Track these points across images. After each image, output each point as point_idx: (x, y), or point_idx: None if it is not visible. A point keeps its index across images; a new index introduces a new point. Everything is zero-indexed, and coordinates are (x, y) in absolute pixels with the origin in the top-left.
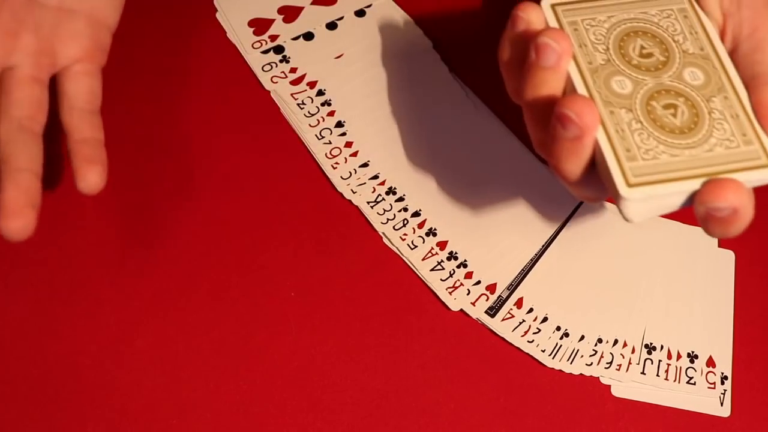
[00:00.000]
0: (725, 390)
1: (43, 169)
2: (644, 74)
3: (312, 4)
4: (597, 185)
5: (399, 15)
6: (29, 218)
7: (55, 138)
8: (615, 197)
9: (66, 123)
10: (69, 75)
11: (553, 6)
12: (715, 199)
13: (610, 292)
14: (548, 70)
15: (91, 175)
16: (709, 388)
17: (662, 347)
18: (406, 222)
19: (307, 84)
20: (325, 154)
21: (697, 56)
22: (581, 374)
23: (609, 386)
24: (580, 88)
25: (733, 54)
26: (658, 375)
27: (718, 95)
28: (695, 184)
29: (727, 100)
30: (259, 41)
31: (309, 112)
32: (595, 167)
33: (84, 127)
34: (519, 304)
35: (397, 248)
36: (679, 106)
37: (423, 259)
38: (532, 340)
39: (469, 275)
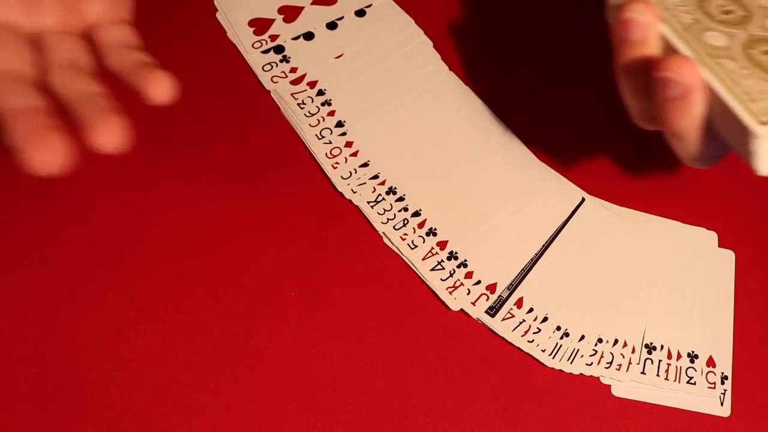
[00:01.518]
0: (725, 390)
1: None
2: (733, 28)
3: (312, 3)
4: (713, 143)
5: (399, 15)
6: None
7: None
8: (741, 145)
9: (113, 63)
10: (100, 27)
11: None
12: None
13: (610, 292)
14: (638, 42)
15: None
16: (709, 387)
17: (662, 347)
18: (406, 222)
19: (308, 84)
20: (326, 154)
21: None
22: (581, 374)
23: (609, 386)
24: (679, 45)
25: None
26: (658, 375)
27: None
28: None
29: None
30: (259, 41)
31: (309, 111)
32: (710, 123)
33: (132, 56)
34: (519, 303)
35: (397, 248)
36: None
37: (423, 259)
38: (533, 340)
39: (469, 275)
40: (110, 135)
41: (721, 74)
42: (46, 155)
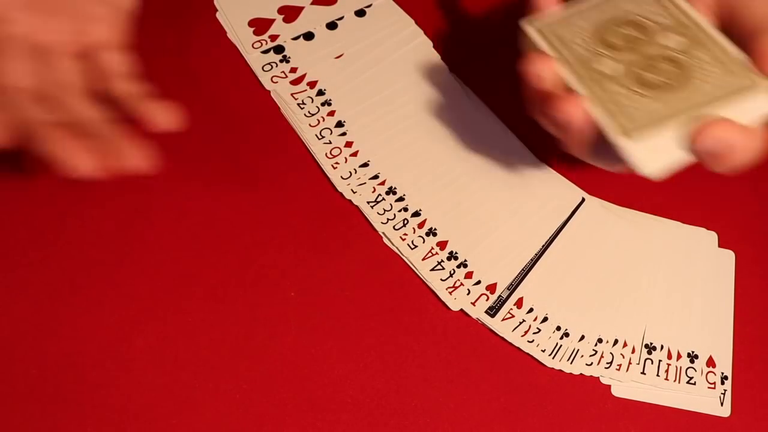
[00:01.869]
0: (725, 390)
1: (40, 169)
2: (627, 53)
3: (312, 4)
4: (611, 157)
5: (399, 15)
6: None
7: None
8: (623, 158)
9: (116, 90)
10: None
11: (537, 28)
12: (704, 138)
13: (610, 292)
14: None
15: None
16: (709, 388)
17: (662, 347)
18: (406, 222)
19: (308, 84)
20: (325, 154)
21: (675, 26)
22: (581, 374)
23: (609, 386)
24: (571, 81)
25: (728, 21)
26: (658, 375)
27: (700, 49)
28: (689, 122)
29: (710, 51)
30: (259, 41)
31: (309, 111)
32: (605, 142)
33: (133, 85)
34: (519, 304)
35: (397, 248)
36: (664, 66)
37: (423, 259)
38: (532, 340)
39: (469, 275)
40: (135, 159)
41: (604, 99)
42: (81, 164)
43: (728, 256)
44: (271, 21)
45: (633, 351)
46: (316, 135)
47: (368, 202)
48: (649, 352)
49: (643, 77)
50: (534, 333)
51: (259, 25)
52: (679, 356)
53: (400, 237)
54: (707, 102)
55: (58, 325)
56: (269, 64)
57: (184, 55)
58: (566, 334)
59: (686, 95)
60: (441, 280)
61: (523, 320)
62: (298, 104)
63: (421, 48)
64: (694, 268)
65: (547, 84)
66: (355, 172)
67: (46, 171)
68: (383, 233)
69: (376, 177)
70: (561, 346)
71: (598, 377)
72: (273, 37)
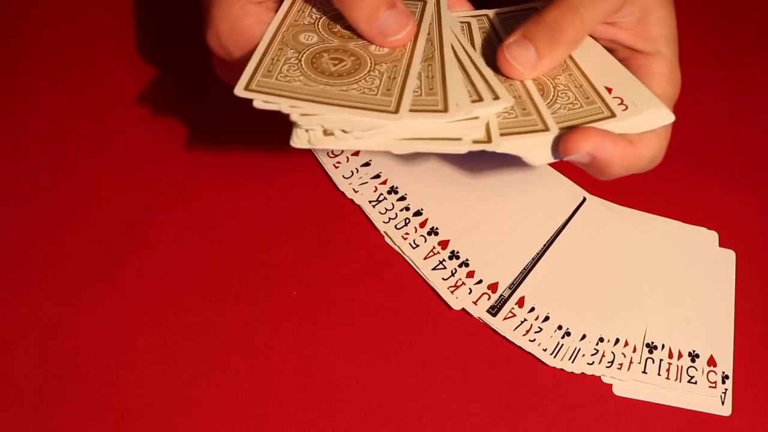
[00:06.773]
0: (726, 389)
1: (41, 170)
2: (332, 36)
3: None
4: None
5: None
6: None
7: (46, 135)
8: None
9: None
10: None
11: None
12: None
13: (611, 292)
14: None
15: None
16: (710, 387)
17: (663, 346)
18: (407, 221)
19: None
20: (327, 153)
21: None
22: (583, 373)
23: (610, 385)
24: (270, 32)
25: None
26: (659, 374)
27: (401, 63)
28: (295, 105)
29: (431, 66)
30: None
31: None
32: None
33: None
34: (521, 303)
35: (398, 247)
36: (345, 60)
37: (425, 258)
38: (534, 339)
39: (470, 274)
40: None
41: (271, 52)
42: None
43: (729, 256)
44: None
45: (634, 350)
46: None
47: (370, 202)
48: (651, 352)
49: (320, 60)
50: (535, 332)
51: None
52: (680, 355)
53: (402, 236)
54: (331, 101)
55: (59, 325)
56: None
57: (185, 54)
58: (568, 334)
59: (331, 90)
60: (442, 279)
61: (525, 319)
62: None
63: None
64: (695, 267)
65: None
66: (357, 172)
67: (47, 170)
68: (385, 232)
69: (377, 176)
70: (562, 345)
71: (600, 376)
72: None
